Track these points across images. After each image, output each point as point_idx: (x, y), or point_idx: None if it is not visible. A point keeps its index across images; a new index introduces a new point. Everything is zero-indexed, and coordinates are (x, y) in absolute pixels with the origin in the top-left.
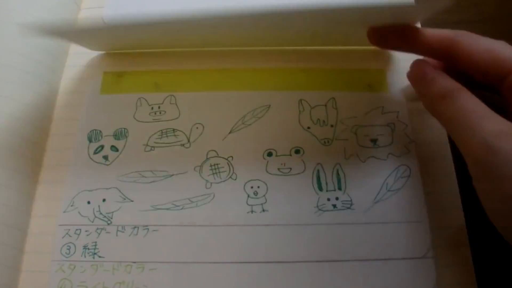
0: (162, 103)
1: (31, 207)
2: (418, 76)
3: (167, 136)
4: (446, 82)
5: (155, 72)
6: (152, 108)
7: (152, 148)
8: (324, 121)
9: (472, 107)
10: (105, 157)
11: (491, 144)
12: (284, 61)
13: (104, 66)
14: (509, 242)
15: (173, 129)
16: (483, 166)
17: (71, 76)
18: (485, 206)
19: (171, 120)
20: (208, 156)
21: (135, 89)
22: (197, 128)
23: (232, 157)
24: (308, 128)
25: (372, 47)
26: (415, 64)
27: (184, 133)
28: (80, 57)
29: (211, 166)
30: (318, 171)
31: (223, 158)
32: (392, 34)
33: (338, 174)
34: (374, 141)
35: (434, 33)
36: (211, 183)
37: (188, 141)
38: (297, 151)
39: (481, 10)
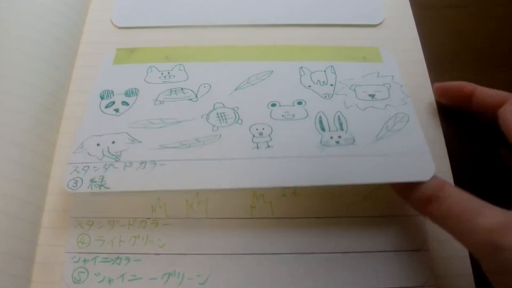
0: (172, 70)
1: (50, 170)
2: (400, 185)
3: (176, 93)
4: (426, 188)
5: (165, 48)
6: (162, 73)
7: (161, 102)
8: (324, 81)
9: (462, 205)
10: (116, 110)
11: (494, 241)
12: (285, 40)
13: (117, 44)
14: None
15: (182, 88)
16: (492, 262)
17: (86, 51)
18: None
19: (180, 81)
20: (215, 107)
21: (146, 60)
22: (204, 87)
23: (237, 107)
24: (309, 86)
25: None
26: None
27: (192, 90)
28: (94, 35)
29: (217, 114)
30: (320, 117)
31: (229, 108)
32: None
33: (339, 118)
34: (372, 95)
35: (490, 93)
36: (218, 127)
37: (196, 96)
38: (299, 103)
39: None
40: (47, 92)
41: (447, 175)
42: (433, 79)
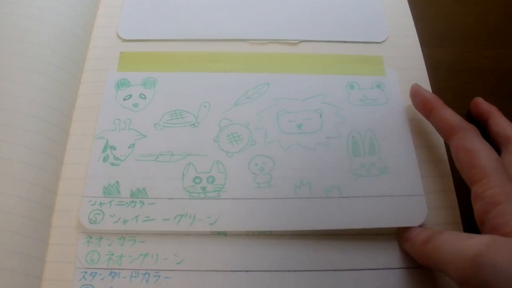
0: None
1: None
2: (406, 239)
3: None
4: (426, 230)
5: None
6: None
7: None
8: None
9: (452, 236)
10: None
11: (478, 261)
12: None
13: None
14: None
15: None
16: (474, 283)
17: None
18: None
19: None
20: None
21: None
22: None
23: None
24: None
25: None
26: (403, 230)
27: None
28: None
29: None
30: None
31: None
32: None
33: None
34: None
35: (445, 118)
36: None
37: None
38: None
39: None
40: (56, 95)
41: (451, 195)
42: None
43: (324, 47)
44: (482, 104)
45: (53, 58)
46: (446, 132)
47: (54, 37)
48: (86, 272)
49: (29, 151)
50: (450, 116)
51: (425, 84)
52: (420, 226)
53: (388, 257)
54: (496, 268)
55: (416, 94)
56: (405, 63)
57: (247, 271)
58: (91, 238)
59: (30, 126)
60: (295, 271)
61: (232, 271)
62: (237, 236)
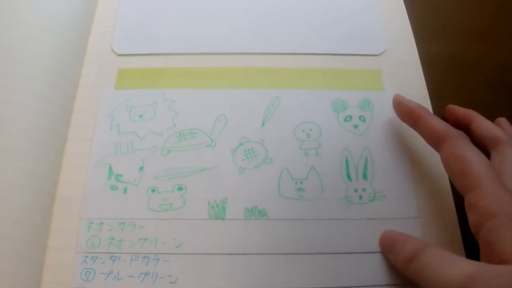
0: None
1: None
2: (388, 250)
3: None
4: (411, 244)
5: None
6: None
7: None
8: None
9: (439, 258)
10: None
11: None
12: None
13: (119, 64)
14: None
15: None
16: None
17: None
18: None
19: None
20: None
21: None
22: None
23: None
24: None
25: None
26: (384, 234)
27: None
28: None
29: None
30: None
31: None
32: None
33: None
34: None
35: (433, 126)
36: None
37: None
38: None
39: None
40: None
41: (451, 213)
42: (431, 98)
43: (318, 60)
44: (458, 110)
45: (47, 75)
46: (435, 141)
47: (47, 54)
48: (87, 257)
49: (26, 137)
50: (438, 124)
51: (424, 98)
52: None
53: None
54: None
55: (399, 105)
56: (404, 76)
57: (244, 254)
58: (91, 223)
59: (24, 147)
60: (291, 254)
61: (230, 254)
62: (234, 220)
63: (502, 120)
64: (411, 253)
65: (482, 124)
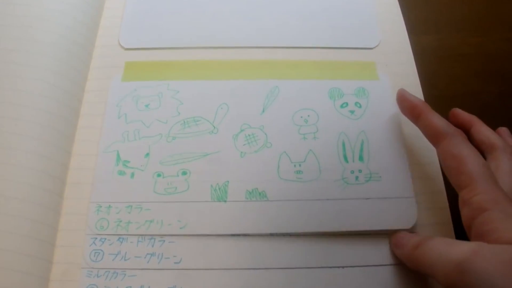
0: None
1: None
2: (397, 245)
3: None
4: (419, 236)
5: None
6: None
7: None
8: None
9: (440, 242)
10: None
11: (464, 267)
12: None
13: (126, 58)
14: None
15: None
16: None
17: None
18: None
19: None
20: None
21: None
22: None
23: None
24: None
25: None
26: (394, 236)
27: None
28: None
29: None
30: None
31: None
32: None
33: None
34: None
35: (433, 124)
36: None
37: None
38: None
39: None
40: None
41: (442, 196)
42: (424, 88)
43: (315, 53)
44: (462, 115)
45: (55, 66)
46: (433, 138)
47: (56, 46)
48: (96, 238)
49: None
50: (437, 121)
51: (417, 88)
52: (411, 228)
53: (378, 254)
54: (481, 274)
55: (402, 99)
56: (397, 68)
57: (245, 235)
58: (100, 207)
59: (34, 133)
60: (291, 233)
61: (232, 235)
62: (235, 202)
63: (503, 129)
64: (417, 242)
65: (481, 129)
